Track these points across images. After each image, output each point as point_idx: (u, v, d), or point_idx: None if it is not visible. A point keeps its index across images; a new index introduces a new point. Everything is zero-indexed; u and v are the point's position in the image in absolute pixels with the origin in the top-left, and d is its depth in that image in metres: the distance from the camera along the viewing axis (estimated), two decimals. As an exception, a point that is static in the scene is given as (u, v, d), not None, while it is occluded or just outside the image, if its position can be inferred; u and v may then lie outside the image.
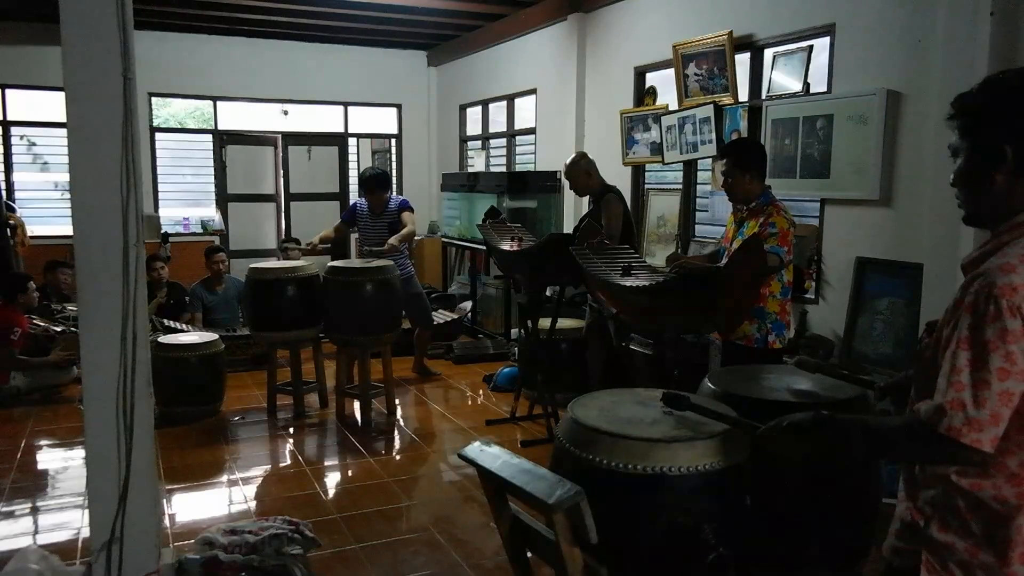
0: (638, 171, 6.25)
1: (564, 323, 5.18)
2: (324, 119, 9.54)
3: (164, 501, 3.78)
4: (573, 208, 6.77)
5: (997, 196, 1.42)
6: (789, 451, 1.56)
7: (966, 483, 1.39)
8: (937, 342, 1.42)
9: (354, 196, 8.91)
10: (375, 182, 5.76)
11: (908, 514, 1.52)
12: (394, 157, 10.00)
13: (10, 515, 3.75)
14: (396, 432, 5.09)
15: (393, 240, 5.51)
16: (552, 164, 7.12)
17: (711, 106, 5.15)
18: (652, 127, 5.87)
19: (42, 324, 5.76)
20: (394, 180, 9.69)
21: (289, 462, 4.53)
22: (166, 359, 4.93)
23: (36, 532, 3.65)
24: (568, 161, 4.83)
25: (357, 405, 5.28)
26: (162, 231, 8.29)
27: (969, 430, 1.29)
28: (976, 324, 1.31)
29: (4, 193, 7.45)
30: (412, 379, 6.17)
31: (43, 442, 4.79)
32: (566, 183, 5.00)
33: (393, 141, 9.95)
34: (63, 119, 2.46)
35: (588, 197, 4.95)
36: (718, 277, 3.20)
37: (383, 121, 9.89)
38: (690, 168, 5.65)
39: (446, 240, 8.73)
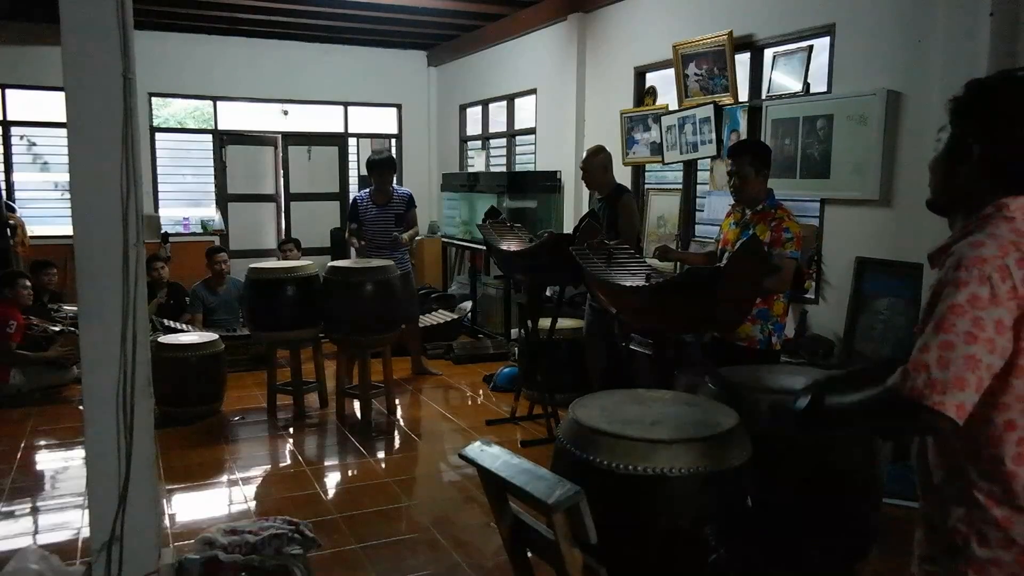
0: (638, 171, 6.25)
1: (564, 323, 5.17)
2: (324, 119, 9.54)
3: (164, 501, 3.77)
4: (573, 208, 6.77)
5: (958, 188, 1.47)
6: (789, 430, 1.68)
7: (998, 492, 1.33)
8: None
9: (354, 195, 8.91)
10: (387, 165, 6.02)
11: (943, 537, 1.40)
12: (394, 157, 10.00)
13: (10, 515, 3.74)
14: (396, 432, 5.09)
15: (405, 236, 5.84)
16: (552, 164, 7.12)
17: (711, 106, 5.15)
18: (652, 127, 5.87)
19: (40, 324, 5.75)
20: (394, 181, 9.69)
21: (289, 462, 4.52)
22: (166, 359, 4.92)
23: (36, 532, 3.65)
24: (588, 151, 4.76)
25: (357, 405, 5.28)
26: (162, 231, 8.28)
27: (932, 392, 1.25)
28: (946, 292, 1.31)
29: (4, 193, 7.45)
30: (412, 379, 6.16)
31: (43, 442, 4.79)
32: (579, 173, 4.93)
33: (393, 141, 9.94)
34: (63, 119, 2.46)
35: (593, 194, 4.92)
36: (718, 277, 3.20)
37: (383, 121, 9.89)
38: (690, 168, 5.65)
39: (446, 240, 8.73)
